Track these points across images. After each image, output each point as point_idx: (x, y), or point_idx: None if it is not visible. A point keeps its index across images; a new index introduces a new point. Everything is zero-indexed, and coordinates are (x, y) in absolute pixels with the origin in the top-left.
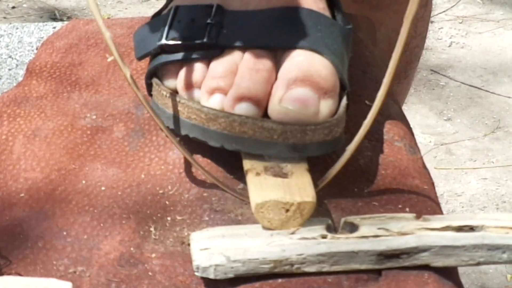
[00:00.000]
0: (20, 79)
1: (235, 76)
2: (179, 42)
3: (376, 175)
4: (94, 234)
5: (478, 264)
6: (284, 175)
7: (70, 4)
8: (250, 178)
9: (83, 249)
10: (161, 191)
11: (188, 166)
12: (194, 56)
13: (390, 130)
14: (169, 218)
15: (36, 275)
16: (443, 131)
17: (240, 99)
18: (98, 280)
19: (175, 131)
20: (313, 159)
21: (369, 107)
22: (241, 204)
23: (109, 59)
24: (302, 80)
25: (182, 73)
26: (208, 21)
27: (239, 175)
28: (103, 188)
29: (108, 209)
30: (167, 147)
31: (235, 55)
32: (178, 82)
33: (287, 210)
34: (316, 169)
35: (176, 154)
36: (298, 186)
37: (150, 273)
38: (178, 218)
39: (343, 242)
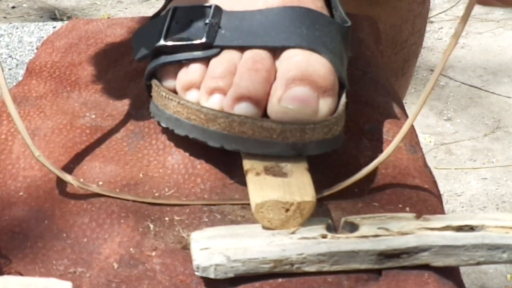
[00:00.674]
0: (20, 78)
1: (234, 76)
2: (178, 43)
3: (376, 174)
4: (93, 237)
5: (478, 263)
6: (284, 175)
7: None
8: (250, 178)
9: (83, 252)
10: (157, 194)
11: (187, 173)
12: (192, 56)
13: (390, 129)
14: (167, 219)
15: (36, 275)
16: (443, 131)
17: (240, 99)
18: (98, 280)
19: (175, 131)
20: (313, 159)
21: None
22: (241, 206)
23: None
24: (301, 79)
25: (181, 73)
26: (206, 21)
27: (239, 175)
28: (100, 183)
29: (106, 207)
30: (166, 151)
31: (234, 55)
32: (177, 82)
33: (287, 210)
34: (316, 169)
35: (175, 159)
36: (298, 186)
37: (150, 273)
38: (176, 218)
39: (343, 242)
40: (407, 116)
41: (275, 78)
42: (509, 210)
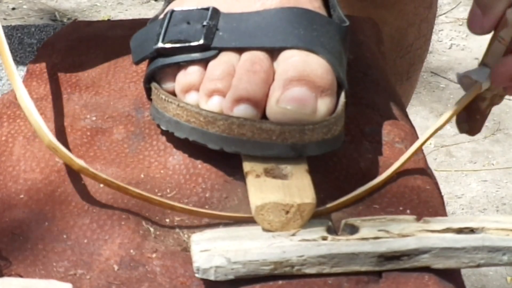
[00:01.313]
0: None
1: (232, 78)
2: (176, 45)
3: (376, 177)
4: (94, 238)
5: (479, 266)
6: (284, 177)
7: (71, 6)
8: (250, 181)
9: (84, 253)
10: (159, 194)
11: (188, 173)
12: (190, 58)
13: (391, 131)
14: (167, 220)
15: (36, 277)
16: (443, 133)
17: (239, 101)
18: (99, 282)
19: (175, 134)
20: (314, 160)
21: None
22: (241, 207)
23: None
24: (298, 79)
25: (180, 76)
26: (204, 23)
27: (241, 171)
28: (101, 185)
29: (107, 209)
30: (167, 152)
31: (232, 57)
32: (176, 85)
33: (287, 212)
34: (317, 171)
35: (176, 160)
36: (298, 188)
37: (150, 275)
38: (177, 218)
39: (343, 244)
40: (407, 118)
41: (273, 79)
42: (509, 212)
